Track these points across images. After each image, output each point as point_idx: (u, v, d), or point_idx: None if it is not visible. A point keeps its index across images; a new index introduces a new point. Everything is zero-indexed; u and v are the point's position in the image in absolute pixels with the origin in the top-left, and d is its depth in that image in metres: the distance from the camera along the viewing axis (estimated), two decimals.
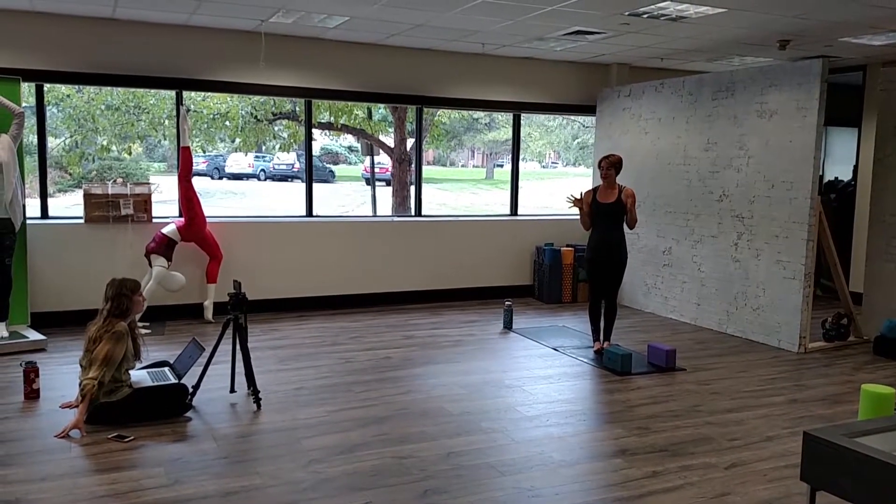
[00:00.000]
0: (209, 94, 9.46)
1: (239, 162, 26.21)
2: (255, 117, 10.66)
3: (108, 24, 6.84)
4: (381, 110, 11.86)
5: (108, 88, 9.89)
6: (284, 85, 7.62)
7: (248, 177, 26.33)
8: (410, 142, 11.13)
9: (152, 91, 9.73)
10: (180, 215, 7.26)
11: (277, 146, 13.02)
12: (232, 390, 5.01)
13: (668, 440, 4.35)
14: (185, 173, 7.00)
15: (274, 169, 26.64)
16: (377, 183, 26.65)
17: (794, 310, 6.54)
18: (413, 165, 8.88)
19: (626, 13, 6.30)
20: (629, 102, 8.54)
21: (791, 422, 4.71)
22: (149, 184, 7.28)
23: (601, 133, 9.02)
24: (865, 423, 2.93)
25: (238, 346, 4.89)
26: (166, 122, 10.42)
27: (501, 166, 38.68)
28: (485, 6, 6.06)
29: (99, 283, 6.84)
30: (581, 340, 6.77)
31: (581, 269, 8.66)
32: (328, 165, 27.00)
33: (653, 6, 6.03)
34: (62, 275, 6.86)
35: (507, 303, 7.32)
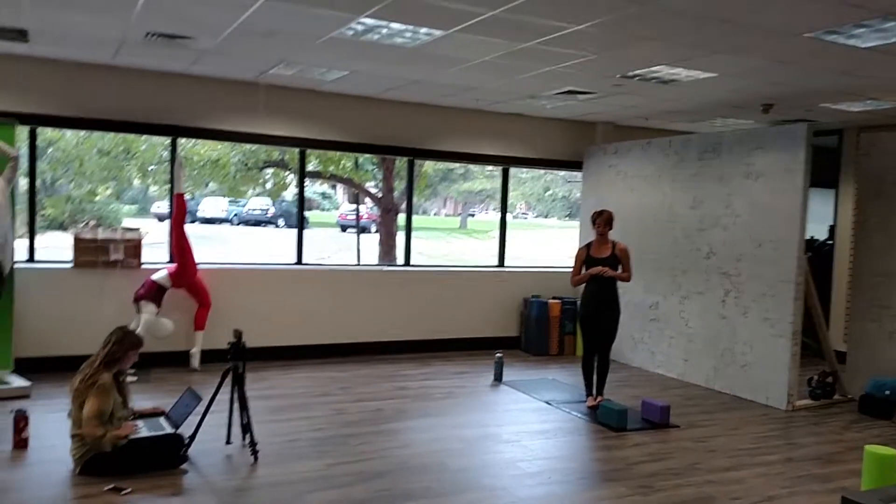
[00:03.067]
0: (200, 140, 9.47)
1: (212, 206, 26.05)
2: (246, 165, 10.68)
3: (106, 70, 6.87)
4: (362, 160, 11.95)
5: (100, 133, 9.86)
6: (280, 135, 7.67)
7: (220, 221, 26.15)
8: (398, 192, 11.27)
9: (143, 137, 9.73)
10: (171, 261, 7.20)
11: (268, 193, 13.04)
12: (228, 441, 4.92)
13: (671, 499, 4.35)
14: (179, 220, 6.97)
15: (247, 213, 26.52)
16: (351, 230, 26.74)
17: (781, 367, 6.64)
18: (403, 216, 8.93)
19: (619, 76, 6.50)
20: (615, 160, 8.74)
21: (789, 481, 4.75)
22: (139, 229, 7.22)
23: (587, 189, 9.19)
24: None
25: (236, 397, 4.83)
26: (152, 168, 10.37)
27: (473, 216, 39.07)
28: (486, 65, 6.21)
29: (86, 329, 6.79)
30: (571, 394, 6.78)
31: (568, 322, 8.73)
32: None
33: (646, 69, 6.23)
34: (48, 319, 6.72)
35: (497, 355, 7.33)
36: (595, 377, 6.39)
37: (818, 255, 9.56)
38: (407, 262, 8.64)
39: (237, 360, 4.81)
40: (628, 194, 8.46)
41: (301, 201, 8.16)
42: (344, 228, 26.47)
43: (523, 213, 39.89)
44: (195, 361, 7.11)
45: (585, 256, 6.34)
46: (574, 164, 9.34)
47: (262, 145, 9.21)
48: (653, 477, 4.72)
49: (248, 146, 10.17)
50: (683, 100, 7.53)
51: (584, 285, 6.38)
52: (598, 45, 5.39)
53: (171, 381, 6.60)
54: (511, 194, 32.93)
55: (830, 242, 9.37)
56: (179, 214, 6.99)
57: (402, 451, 5.03)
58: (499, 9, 4.59)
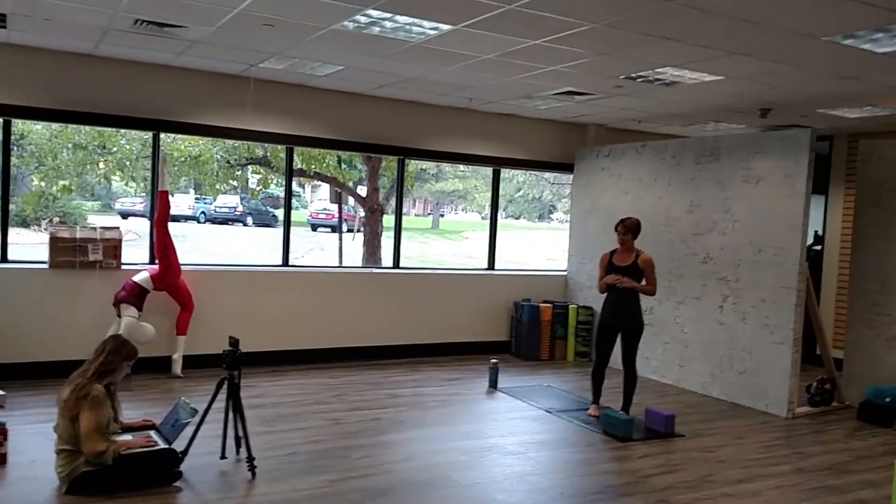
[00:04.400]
0: (180, 136, 9.11)
1: (178, 204, 25.42)
2: (228, 162, 10.32)
3: (86, 60, 6.51)
4: (347, 158, 11.67)
5: (75, 127, 9.41)
6: (267, 131, 7.38)
7: (187, 219, 25.53)
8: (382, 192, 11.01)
9: (123, 131, 9.32)
10: (152, 262, 6.88)
11: (251, 192, 12.66)
12: (223, 456, 4.64)
13: None
14: (163, 218, 6.65)
15: (215, 211, 25.94)
16: (323, 229, 26.33)
17: (782, 375, 6.55)
18: (387, 216, 8.69)
19: (622, 77, 6.35)
20: (608, 162, 8.61)
21: (806, 493, 4.63)
22: (119, 228, 6.88)
23: (578, 191, 9.05)
24: None
25: (231, 409, 4.56)
26: (128, 164, 9.93)
27: (443, 216, 38.90)
28: (488, 63, 6.01)
29: (62, 334, 6.45)
30: (570, 402, 6.62)
31: (559, 327, 8.57)
32: (270, 209, 26.49)
33: (651, 71, 6.09)
34: (22, 323, 6.35)
35: (492, 361, 7.13)
36: (623, 392, 6.12)
37: (807, 261, 9.54)
38: (396, 265, 8.40)
39: (233, 368, 4.54)
40: (622, 197, 8.33)
41: (288, 199, 7.86)
42: (315, 227, 26.07)
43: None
44: (177, 368, 6.79)
45: (608, 263, 6.13)
46: (565, 167, 9.19)
47: (245, 142, 8.89)
48: (668, 490, 4.56)
49: (230, 142, 9.84)
50: (682, 103, 7.42)
51: (606, 294, 6.16)
52: (609, 43, 5.23)
53: (153, 390, 6.28)
54: (482, 196, 33.03)
55: (818, 248, 9.36)
56: (163, 213, 6.67)
57: (406, 464, 4.80)
58: (515, 2, 4.39)
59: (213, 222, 25.68)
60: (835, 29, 4.60)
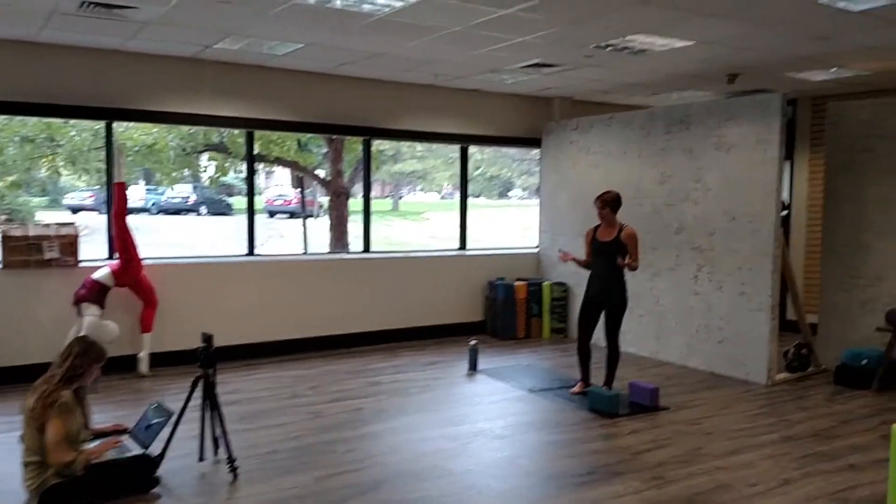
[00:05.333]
0: (133, 124, 8.71)
1: (129, 195, 24.62)
2: (184, 150, 9.93)
3: (29, 47, 6.13)
4: (307, 141, 11.33)
5: (21, 119, 8.91)
6: (225, 115, 7.08)
7: (138, 211, 24.77)
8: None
9: (73, 122, 8.88)
10: (111, 257, 6.57)
11: (209, 179, 12.27)
12: (201, 458, 4.43)
13: (690, 490, 4.13)
14: (121, 211, 6.33)
15: (167, 202, 25.23)
16: (281, 216, 25.83)
17: (760, 342, 6.55)
18: (361, 199, 8.46)
19: (592, 46, 6.21)
20: (576, 136, 8.49)
21: (797, 462, 4.60)
22: (74, 224, 6.54)
23: (547, 166, 8.93)
24: None
25: (208, 408, 4.35)
26: (80, 156, 9.46)
27: (401, 197, 38.56)
28: (456, 36, 5.81)
29: (20, 337, 6.13)
30: (551, 380, 6.54)
31: (534, 305, 8.47)
32: (224, 198, 25.91)
33: (621, 38, 5.96)
34: None
35: (472, 342, 7.00)
36: (605, 368, 6.03)
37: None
38: (366, 249, 8.19)
39: (208, 366, 4.32)
40: (592, 171, 8.22)
41: (251, 186, 7.57)
42: (272, 214, 25.57)
43: (450, 194, 39.69)
44: (143, 366, 6.52)
45: (592, 238, 6.02)
46: (532, 142, 9.04)
47: (203, 127, 8.55)
48: (661, 467, 4.49)
49: (185, 129, 9.47)
50: (649, 72, 7.31)
51: (591, 270, 6.05)
52: (581, 10, 5.06)
53: (120, 391, 6.02)
54: (441, 175, 32.79)
55: (784, 213, 9.40)
56: (121, 205, 6.36)
57: (393, 456, 4.65)
58: None
59: (166, 213, 24.96)
60: None
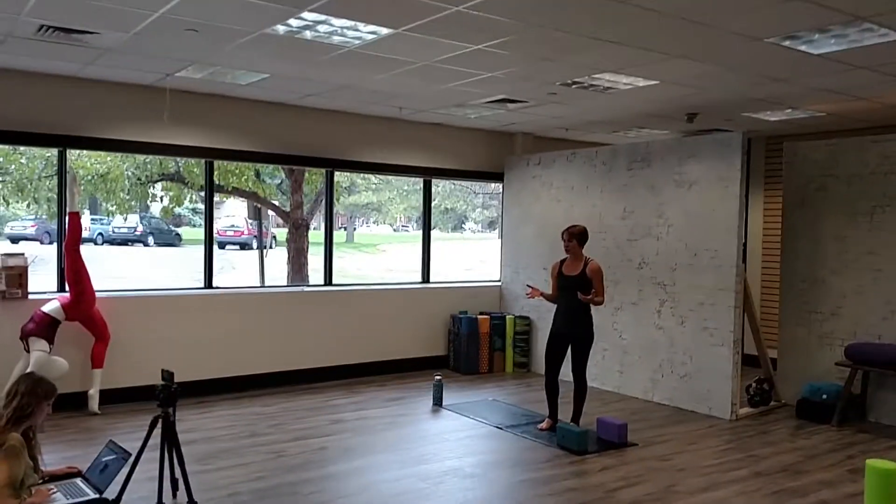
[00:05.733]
0: (86, 152, 8.44)
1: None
2: (139, 179, 9.65)
3: None
4: (266, 172, 11.16)
5: None
6: (184, 144, 6.92)
7: (84, 241, 24.00)
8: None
9: (22, 149, 8.56)
10: (61, 289, 6.29)
11: (163, 210, 11.91)
12: (159, 501, 4.19)
13: None
14: (73, 242, 6.09)
15: (113, 232, 24.56)
16: (231, 247, 25.38)
17: (723, 377, 6.59)
18: (321, 231, 8.33)
19: (559, 83, 6.26)
20: (539, 171, 8.54)
21: (771, 498, 4.60)
22: (24, 254, 6.26)
23: (510, 200, 8.94)
24: None
25: (166, 449, 4.13)
26: (30, 185, 9.08)
27: (356, 229, 38.38)
28: (425, 70, 5.78)
29: None
30: (518, 416, 6.46)
31: (497, 338, 8.41)
32: (173, 228, 25.39)
33: (588, 76, 6.02)
34: None
35: (436, 377, 6.89)
36: (573, 403, 5.97)
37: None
38: (329, 282, 8.04)
39: (167, 405, 4.12)
40: (555, 205, 8.26)
41: (209, 216, 7.37)
42: (222, 245, 25.13)
43: (404, 226, 39.62)
44: (94, 404, 6.23)
45: (557, 272, 6.00)
46: (494, 175, 9.06)
47: (161, 156, 8.34)
48: None
49: (140, 158, 9.22)
50: (611, 109, 7.41)
51: (557, 303, 6.02)
52: (552, 46, 5.09)
53: (69, 429, 5.72)
54: (396, 208, 32.76)
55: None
56: (74, 236, 6.12)
57: (362, 497, 4.49)
58: (463, 4, 4.19)
59: (112, 243, 24.29)
60: (778, 30, 4.62)
